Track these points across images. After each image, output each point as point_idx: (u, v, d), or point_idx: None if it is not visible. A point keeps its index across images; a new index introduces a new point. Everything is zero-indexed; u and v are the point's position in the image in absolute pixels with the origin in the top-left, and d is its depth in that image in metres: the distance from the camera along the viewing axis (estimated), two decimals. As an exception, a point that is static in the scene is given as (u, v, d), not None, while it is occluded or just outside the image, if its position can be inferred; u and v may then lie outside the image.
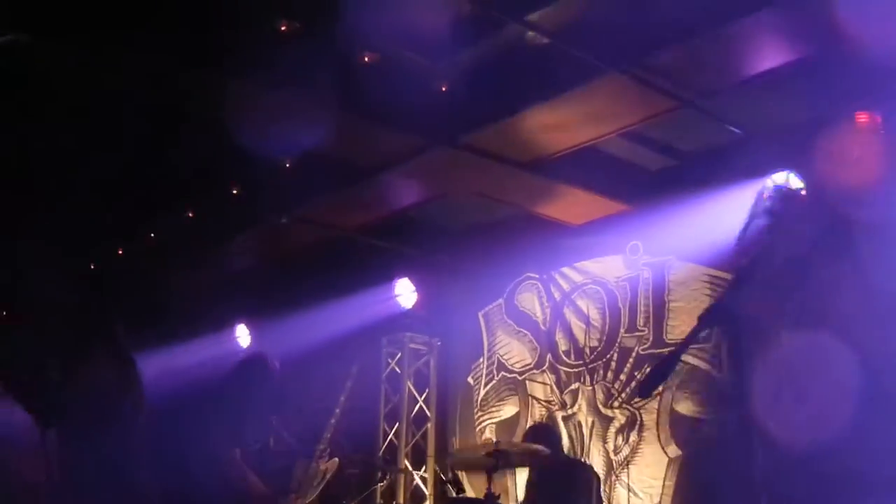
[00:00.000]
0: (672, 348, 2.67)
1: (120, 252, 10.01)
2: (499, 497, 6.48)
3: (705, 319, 2.59)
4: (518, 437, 8.83)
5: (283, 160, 7.81)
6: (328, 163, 7.71)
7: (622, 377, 8.46)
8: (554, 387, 8.95)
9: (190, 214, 9.00)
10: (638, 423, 8.25)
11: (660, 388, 8.15)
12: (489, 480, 6.63)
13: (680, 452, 7.85)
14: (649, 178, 8.06)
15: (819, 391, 5.67)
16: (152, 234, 9.60)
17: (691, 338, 2.66)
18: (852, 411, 5.31)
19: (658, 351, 8.23)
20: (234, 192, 8.46)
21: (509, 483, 8.60)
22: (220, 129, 7.19)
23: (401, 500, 9.29)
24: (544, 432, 7.68)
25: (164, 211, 8.95)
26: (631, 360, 8.42)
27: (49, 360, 5.41)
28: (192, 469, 6.50)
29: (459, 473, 8.91)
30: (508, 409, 9.37)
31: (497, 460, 6.59)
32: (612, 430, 8.40)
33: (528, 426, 8.51)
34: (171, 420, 7.16)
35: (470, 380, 9.81)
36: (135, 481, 4.90)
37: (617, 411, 8.42)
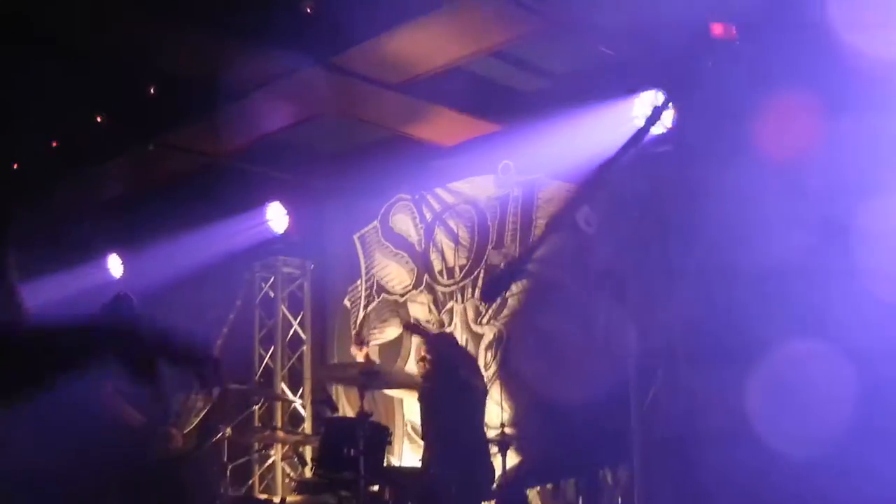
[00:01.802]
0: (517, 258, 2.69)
1: (-18, 184, 9.69)
2: (371, 415, 6.55)
3: (551, 227, 2.63)
4: (403, 358, 8.93)
5: (148, 85, 7.65)
6: (194, 86, 7.56)
7: (488, 294, 8.58)
8: (432, 307, 9.04)
9: (54, 143, 8.76)
10: (504, 339, 8.41)
11: (517, 301, 8.31)
12: (361, 398, 6.72)
13: (536, 367, 8.01)
14: (521, 98, 8.11)
15: (813, 400, 5.87)
16: (15, 165, 9.30)
17: (537, 245, 2.69)
18: (847, 420, 5.51)
19: (529, 268, 8.36)
20: (99, 119, 8.25)
21: (396, 406, 8.65)
22: (84, 55, 7.03)
23: (279, 423, 9.32)
24: (448, 342, 7.77)
25: (26, 140, 8.68)
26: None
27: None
28: (62, 407, 6.42)
29: (335, 394, 8.99)
30: (391, 332, 9.44)
31: (367, 378, 6.67)
32: (483, 346, 8.55)
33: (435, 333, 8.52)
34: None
35: (346, 302, 9.83)
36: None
37: (486, 328, 8.57)
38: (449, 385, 7.33)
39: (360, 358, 7.61)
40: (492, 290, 2.66)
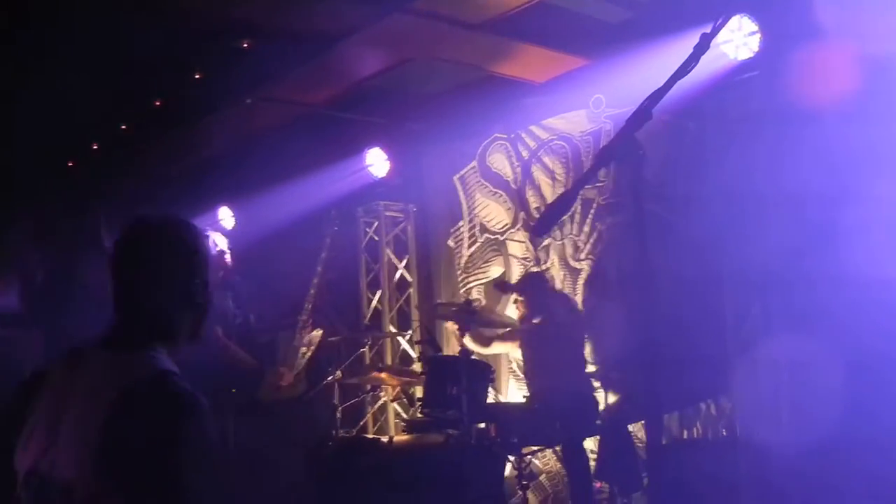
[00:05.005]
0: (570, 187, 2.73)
1: (95, 147, 10.06)
2: (472, 353, 6.69)
3: (603, 156, 2.65)
4: (507, 295, 8.93)
5: (240, 41, 7.82)
6: (284, 39, 7.70)
7: (585, 229, 8.60)
8: (529, 244, 9.11)
9: (157, 102, 9.02)
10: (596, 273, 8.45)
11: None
12: (461, 337, 6.86)
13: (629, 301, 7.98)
14: (608, 30, 8.03)
15: (807, 392, 5.85)
16: (123, 126, 9.63)
17: (589, 175, 2.73)
18: (840, 411, 5.50)
19: (618, 200, 8.34)
20: (197, 76, 8.47)
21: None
22: (178, 14, 7.23)
23: (388, 363, 9.53)
24: (533, 279, 7.93)
25: (131, 101, 8.97)
26: (592, 211, 8.56)
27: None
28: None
29: (443, 334, 9.14)
30: (495, 270, 9.54)
31: (467, 316, 6.80)
32: (581, 281, 8.59)
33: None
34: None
35: (451, 243, 9.96)
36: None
37: (584, 263, 8.59)
38: (546, 324, 7.43)
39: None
40: (542, 225, 2.69)
